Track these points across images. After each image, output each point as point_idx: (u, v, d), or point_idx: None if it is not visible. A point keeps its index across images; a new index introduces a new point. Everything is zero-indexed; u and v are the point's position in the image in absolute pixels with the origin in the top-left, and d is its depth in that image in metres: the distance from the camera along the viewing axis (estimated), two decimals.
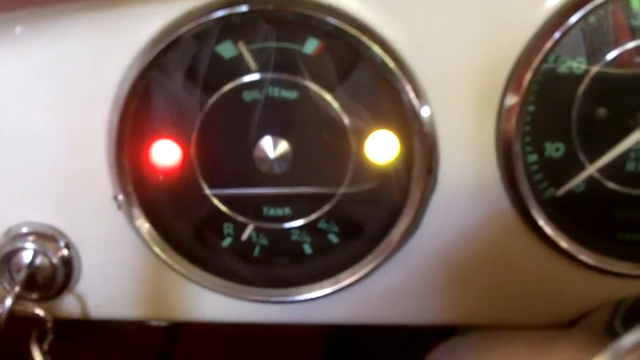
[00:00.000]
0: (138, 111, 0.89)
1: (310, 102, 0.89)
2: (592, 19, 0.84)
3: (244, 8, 0.83)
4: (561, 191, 0.91)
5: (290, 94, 0.89)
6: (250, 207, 0.95)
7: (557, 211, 0.91)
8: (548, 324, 0.96)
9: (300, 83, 0.88)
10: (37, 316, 0.96)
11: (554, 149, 0.89)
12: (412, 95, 0.85)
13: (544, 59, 0.83)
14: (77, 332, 1.09)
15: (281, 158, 0.90)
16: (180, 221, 0.96)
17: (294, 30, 0.86)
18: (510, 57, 0.85)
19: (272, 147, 0.90)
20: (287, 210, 0.94)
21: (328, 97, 0.88)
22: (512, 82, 0.85)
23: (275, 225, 0.95)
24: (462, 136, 0.88)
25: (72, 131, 0.91)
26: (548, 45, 0.83)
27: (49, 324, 0.96)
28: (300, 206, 0.94)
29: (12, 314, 0.94)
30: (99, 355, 1.26)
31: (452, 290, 0.95)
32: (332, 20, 0.82)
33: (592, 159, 0.89)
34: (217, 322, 1.00)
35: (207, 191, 0.94)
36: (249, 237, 0.96)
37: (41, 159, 0.92)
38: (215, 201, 0.94)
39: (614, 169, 0.90)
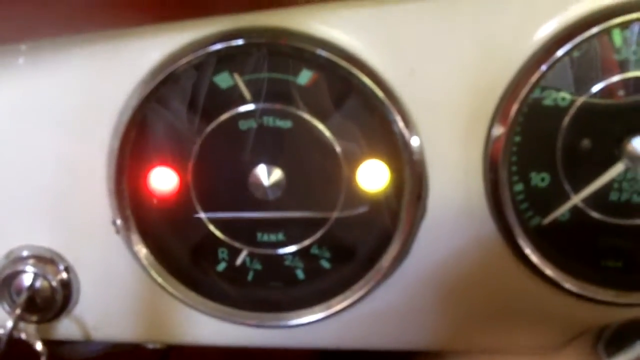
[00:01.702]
0: (137, 139, 0.90)
1: (304, 131, 0.90)
2: (577, 53, 0.85)
3: (239, 42, 0.84)
4: (546, 220, 0.91)
5: (285, 123, 0.90)
6: (245, 233, 0.95)
7: (543, 239, 0.91)
8: (532, 350, 0.96)
9: (294, 113, 0.89)
10: (34, 349, 0.96)
11: (540, 179, 0.90)
12: (402, 125, 0.86)
13: (530, 91, 0.84)
14: None
15: (275, 185, 0.91)
16: (176, 246, 0.96)
17: (288, 62, 0.88)
18: (497, 89, 0.86)
19: (266, 175, 0.90)
20: (280, 236, 0.95)
21: (321, 126, 0.89)
22: (499, 113, 0.86)
23: (269, 251, 0.96)
24: (451, 165, 0.89)
25: (73, 158, 0.92)
26: (535, 77, 0.83)
27: (43, 358, 0.96)
28: (294, 232, 0.95)
29: (11, 338, 0.94)
30: None
31: (440, 315, 0.96)
32: (323, 53, 0.83)
33: (577, 189, 0.90)
34: (212, 345, 1.00)
35: (203, 216, 0.94)
36: (243, 262, 0.97)
37: (42, 184, 0.93)
38: (211, 226, 0.95)
39: (598, 199, 0.90)
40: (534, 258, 0.90)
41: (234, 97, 0.89)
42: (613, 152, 0.88)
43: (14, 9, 0.80)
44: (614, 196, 0.90)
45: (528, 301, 0.94)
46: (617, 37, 0.84)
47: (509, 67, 0.85)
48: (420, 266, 0.93)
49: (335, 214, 0.93)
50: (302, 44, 0.84)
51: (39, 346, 0.96)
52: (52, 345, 0.98)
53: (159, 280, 0.95)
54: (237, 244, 0.96)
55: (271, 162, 0.91)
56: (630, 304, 0.92)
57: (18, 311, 0.95)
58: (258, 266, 0.97)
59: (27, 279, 0.96)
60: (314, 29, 0.86)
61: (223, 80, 0.89)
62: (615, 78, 0.86)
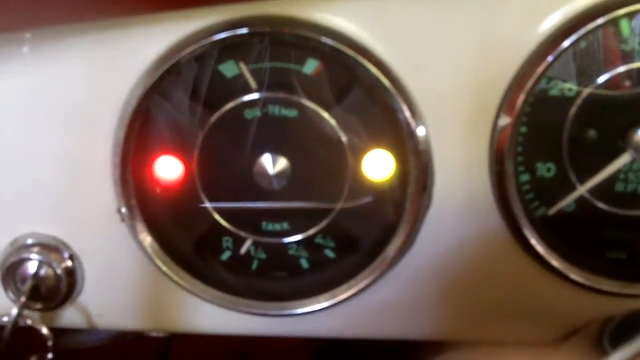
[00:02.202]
0: (142, 128, 0.90)
1: (309, 120, 0.89)
2: (583, 43, 0.84)
3: (244, 30, 0.83)
4: (552, 210, 0.91)
5: (290, 113, 0.89)
6: (250, 222, 0.95)
7: (548, 230, 0.91)
8: (537, 340, 0.96)
9: (299, 102, 0.89)
10: (39, 333, 0.97)
11: (546, 169, 0.90)
12: (407, 114, 0.85)
13: (537, 82, 0.84)
14: None
15: (280, 174, 0.91)
16: (181, 234, 0.96)
17: (293, 51, 0.87)
18: (503, 79, 0.85)
19: (271, 164, 0.90)
20: (285, 226, 0.95)
21: (326, 115, 0.89)
22: (505, 103, 0.85)
23: (273, 240, 0.96)
24: (456, 155, 0.89)
25: (78, 146, 0.91)
26: (541, 68, 0.83)
27: (50, 342, 0.96)
28: (298, 221, 0.95)
29: (16, 325, 0.94)
30: None
31: (445, 305, 0.96)
32: (328, 41, 0.83)
33: (583, 179, 0.89)
34: (216, 334, 1.00)
35: (208, 205, 0.94)
36: (248, 251, 0.97)
37: (47, 173, 0.93)
38: (216, 215, 0.95)
39: (604, 190, 0.90)
40: (540, 249, 0.90)
41: (239, 86, 0.89)
42: (619, 142, 0.87)
43: None
44: (619, 187, 0.90)
45: (533, 292, 0.94)
46: (624, 27, 0.83)
47: (515, 58, 0.85)
48: (424, 256, 0.93)
49: (340, 204, 0.93)
50: (308, 33, 0.84)
51: (44, 331, 0.96)
52: (55, 334, 0.98)
53: (164, 268, 0.95)
54: (241, 233, 0.95)
55: (276, 152, 0.90)
56: (636, 295, 0.92)
57: (23, 299, 0.94)
58: (262, 255, 0.97)
59: (31, 267, 0.96)
60: (319, 17, 0.85)
61: (228, 69, 0.88)
62: (622, 68, 0.85)
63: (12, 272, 0.96)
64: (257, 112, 0.89)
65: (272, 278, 0.98)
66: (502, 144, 0.86)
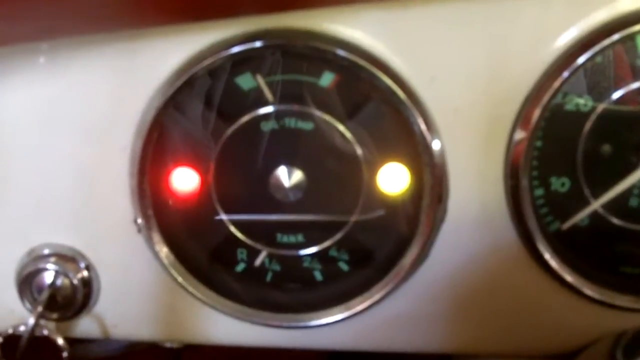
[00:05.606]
0: (160, 139, 0.89)
1: (325, 133, 0.88)
2: (599, 59, 0.83)
3: (260, 43, 0.82)
4: (566, 225, 0.90)
5: (306, 125, 0.88)
6: (265, 234, 0.94)
7: (562, 244, 0.90)
8: (550, 354, 0.95)
9: (315, 115, 0.87)
10: (55, 343, 0.96)
11: (560, 184, 0.88)
12: (423, 127, 0.84)
13: (553, 96, 0.82)
14: None
15: (296, 187, 0.89)
16: (196, 246, 0.95)
17: (310, 64, 0.86)
18: (519, 94, 0.84)
19: (287, 177, 0.89)
20: (300, 238, 0.94)
21: (342, 128, 0.88)
22: (521, 118, 0.84)
23: (288, 252, 0.94)
24: (471, 169, 0.87)
25: (95, 156, 0.90)
26: (557, 83, 0.82)
27: (65, 354, 0.95)
28: (313, 234, 0.93)
29: (32, 335, 0.93)
30: None
31: (459, 318, 0.94)
32: (343, 53, 0.82)
33: (597, 194, 0.88)
34: (230, 345, 0.99)
35: (224, 217, 0.93)
36: (262, 263, 0.95)
37: (64, 183, 0.92)
38: (231, 227, 0.93)
39: (618, 205, 0.88)
40: (553, 263, 0.88)
41: (256, 99, 0.88)
42: (633, 158, 0.86)
43: (37, 7, 0.78)
44: (633, 202, 0.88)
45: (546, 306, 0.93)
46: None
47: (531, 72, 0.84)
48: (439, 269, 0.92)
49: (354, 217, 0.91)
50: (324, 45, 0.82)
51: (60, 341, 0.95)
52: (69, 343, 0.97)
53: (179, 279, 0.93)
54: (257, 245, 0.94)
55: (292, 164, 0.89)
56: None
57: (39, 309, 0.93)
58: (277, 267, 0.96)
59: (48, 277, 0.95)
60: (335, 30, 0.84)
61: (245, 81, 0.87)
62: (637, 84, 0.84)
63: (29, 282, 0.95)
64: (273, 125, 0.88)
65: (286, 290, 0.97)
66: (517, 158, 0.85)
